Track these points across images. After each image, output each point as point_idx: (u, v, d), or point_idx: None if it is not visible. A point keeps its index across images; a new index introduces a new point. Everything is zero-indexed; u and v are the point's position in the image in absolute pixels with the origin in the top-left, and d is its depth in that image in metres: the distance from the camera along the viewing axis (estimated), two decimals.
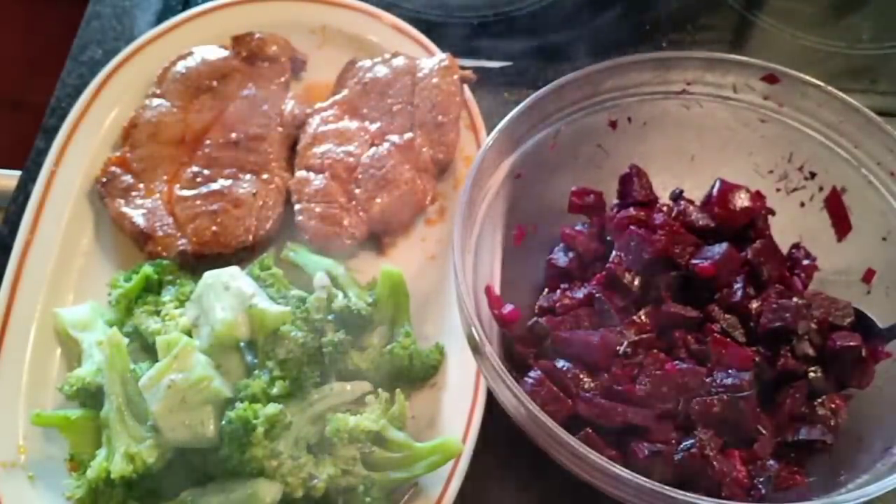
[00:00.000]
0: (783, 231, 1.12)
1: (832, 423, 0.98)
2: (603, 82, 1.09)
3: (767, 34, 1.46)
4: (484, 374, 0.94)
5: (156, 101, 1.22)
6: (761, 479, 0.94)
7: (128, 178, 1.17)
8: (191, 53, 1.27)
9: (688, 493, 0.82)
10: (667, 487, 0.82)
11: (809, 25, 1.45)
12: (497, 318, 1.05)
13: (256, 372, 0.98)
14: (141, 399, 0.96)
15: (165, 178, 1.18)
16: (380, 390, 1.01)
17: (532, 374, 0.98)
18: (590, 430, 0.94)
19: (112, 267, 1.15)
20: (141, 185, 1.17)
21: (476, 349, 0.93)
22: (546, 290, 1.13)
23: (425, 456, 0.96)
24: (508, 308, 1.05)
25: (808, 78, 1.07)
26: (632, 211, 1.11)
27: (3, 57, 2.21)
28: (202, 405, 0.93)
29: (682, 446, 0.94)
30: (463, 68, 1.26)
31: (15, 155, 1.43)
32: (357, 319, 1.05)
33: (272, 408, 0.92)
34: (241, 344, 1.01)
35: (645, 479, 0.82)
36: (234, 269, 1.04)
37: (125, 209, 1.14)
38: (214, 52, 1.27)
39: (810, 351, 1.00)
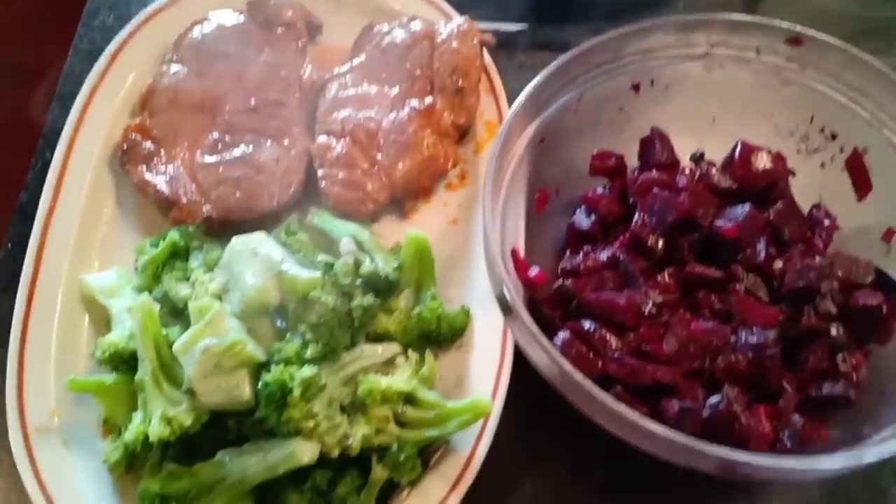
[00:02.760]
0: (803, 192, 1.13)
1: (854, 379, 1.00)
2: (627, 45, 1.09)
3: None
4: (515, 335, 0.95)
5: (173, 68, 1.22)
6: (786, 434, 0.96)
7: (148, 145, 1.17)
8: (207, 19, 1.26)
9: (719, 447, 0.84)
10: (700, 441, 0.83)
11: None
12: (524, 280, 1.06)
13: (288, 336, 0.99)
14: (174, 363, 0.97)
15: (186, 144, 1.18)
16: (410, 351, 1.02)
17: (561, 334, 0.99)
18: (620, 389, 0.95)
19: (135, 234, 1.16)
20: (162, 152, 1.17)
21: (507, 310, 0.94)
22: (568, 253, 1.14)
23: (456, 415, 0.97)
24: (535, 271, 1.06)
25: (832, 40, 1.07)
26: (654, 173, 1.11)
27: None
28: (237, 369, 0.94)
29: (709, 403, 0.95)
30: (481, 32, 1.26)
31: (18, 121, 1.42)
32: (384, 283, 1.06)
33: (307, 370, 0.93)
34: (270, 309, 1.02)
35: (679, 433, 0.83)
36: (261, 235, 1.04)
37: (148, 176, 1.14)
38: (230, 18, 1.26)
39: (833, 309, 1.01)
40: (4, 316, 1.13)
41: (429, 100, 1.20)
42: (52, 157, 1.17)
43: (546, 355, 0.89)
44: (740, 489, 1.06)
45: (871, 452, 0.85)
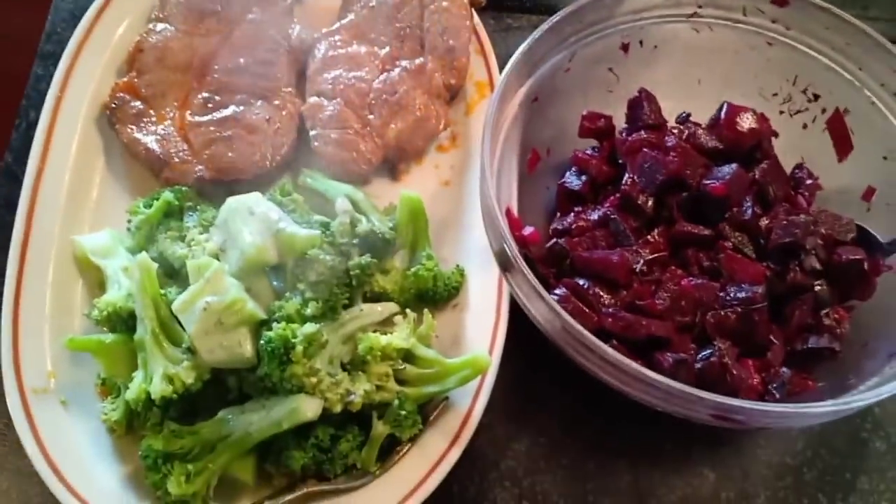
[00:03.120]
0: (786, 153, 1.16)
1: (838, 332, 1.03)
2: (618, 5, 1.11)
3: None
4: (514, 290, 0.97)
5: (160, 26, 1.20)
6: (775, 385, 0.99)
7: (137, 104, 1.15)
8: None
9: (713, 394, 0.87)
10: (695, 389, 0.86)
11: None
12: (518, 239, 1.07)
13: (288, 294, 0.99)
14: (173, 322, 0.97)
15: (176, 103, 1.17)
16: (408, 310, 1.03)
17: (557, 291, 1.01)
18: (615, 343, 0.98)
19: (126, 195, 1.15)
20: (151, 112, 1.15)
21: (508, 266, 0.95)
22: (558, 214, 1.16)
23: (456, 371, 0.99)
24: (529, 230, 1.08)
25: (816, 1, 1.09)
26: (643, 134, 1.13)
27: None
28: (238, 326, 0.95)
29: (701, 355, 0.98)
30: None
31: None
32: (381, 243, 1.06)
33: (309, 327, 0.93)
34: (268, 268, 1.02)
35: (674, 381, 0.86)
36: (256, 195, 1.04)
37: (138, 136, 1.13)
38: None
39: (817, 265, 1.05)
40: None
41: (419, 60, 1.20)
42: (36, 117, 1.15)
43: (547, 308, 0.91)
44: (727, 443, 1.10)
45: (858, 398, 0.89)
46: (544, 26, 1.06)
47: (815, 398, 0.99)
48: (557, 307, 0.90)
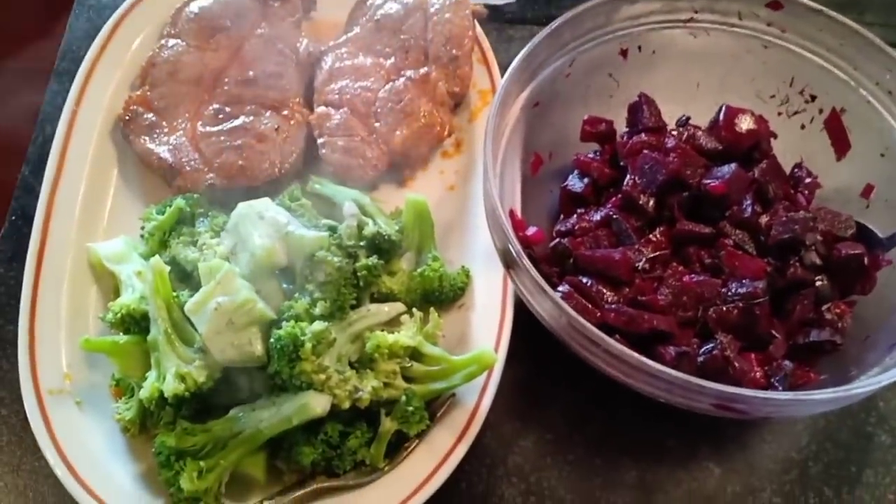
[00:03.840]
0: (785, 153, 1.18)
1: (839, 326, 1.05)
2: (616, 11, 1.13)
3: None
4: (518, 288, 0.98)
5: (172, 41, 1.24)
6: (777, 378, 1.00)
7: (150, 116, 1.19)
8: None
9: (715, 384, 0.88)
10: (698, 379, 0.87)
11: None
12: (521, 239, 1.09)
13: (297, 294, 1.01)
14: (185, 323, 1.00)
15: (187, 115, 1.20)
16: (414, 310, 1.05)
17: (561, 288, 1.03)
18: (619, 337, 0.99)
19: (138, 203, 1.18)
20: (164, 123, 1.19)
21: (512, 263, 0.97)
22: (561, 216, 1.18)
23: (462, 367, 1.00)
24: (532, 230, 1.10)
25: (810, 3, 1.12)
26: (644, 137, 1.15)
27: None
28: (248, 326, 0.97)
29: (704, 349, 1.00)
30: (472, 4, 1.29)
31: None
32: (387, 245, 1.09)
33: (318, 325, 0.96)
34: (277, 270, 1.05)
35: (678, 372, 0.87)
36: (265, 200, 1.07)
37: (151, 146, 1.16)
38: None
39: (817, 260, 1.06)
40: (11, 286, 1.15)
41: (424, 69, 1.23)
42: (52, 131, 1.19)
43: (552, 305, 0.93)
44: (731, 439, 1.11)
45: (859, 385, 0.90)
46: (543, 32, 1.09)
47: (818, 390, 1.00)
48: (561, 302, 0.92)
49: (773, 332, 1.03)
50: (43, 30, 1.54)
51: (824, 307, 1.06)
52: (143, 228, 1.11)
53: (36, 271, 1.08)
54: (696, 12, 1.16)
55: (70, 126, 1.17)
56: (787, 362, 1.02)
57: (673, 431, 1.10)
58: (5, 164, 1.34)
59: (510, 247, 0.96)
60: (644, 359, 0.88)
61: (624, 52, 1.18)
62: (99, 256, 1.09)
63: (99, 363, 1.04)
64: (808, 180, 1.16)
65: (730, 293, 1.03)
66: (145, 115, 1.18)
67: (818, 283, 1.06)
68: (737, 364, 0.99)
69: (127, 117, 1.18)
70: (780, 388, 1.00)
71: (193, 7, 1.26)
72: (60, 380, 1.03)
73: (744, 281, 1.03)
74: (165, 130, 1.18)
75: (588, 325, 0.90)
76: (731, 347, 1.00)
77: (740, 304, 1.02)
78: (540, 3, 1.43)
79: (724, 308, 1.02)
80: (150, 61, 1.22)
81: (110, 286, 1.10)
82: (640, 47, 1.18)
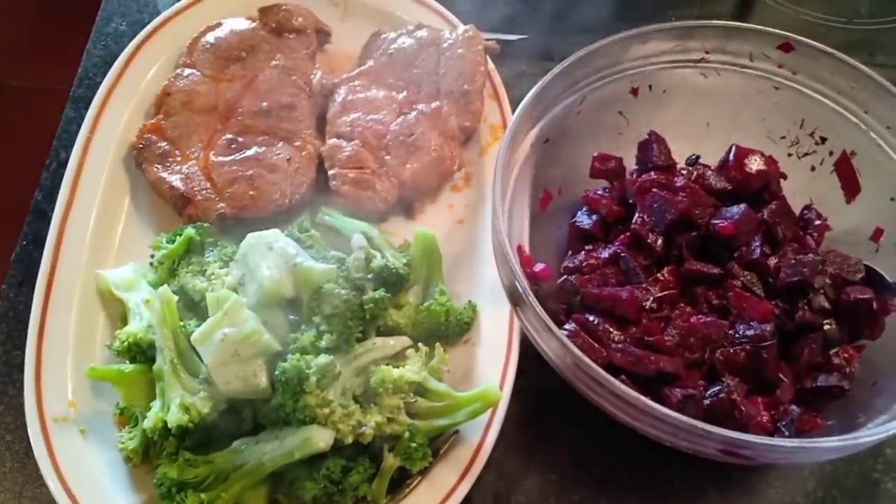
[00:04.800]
0: (794, 195, 1.17)
1: (847, 371, 1.04)
2: (627, 50, 1.14)
3: (770, 9, 1.52)
4: (525, 326, 0.98)
5: (187, 71, 1.25)
6: (784, 423, 1.00)
7: (163, 145, 1.20)
8: (219, 24, 1.30)
9: (722, 429, 0.87)
10: (704, 424, 0.87)
11: (810, 0, 1.51)
12: (529, 276, 1.09)
13: (303, 327, 1.02)
14: (191, 354, 1.00)
15: (200, 144, 1.21)
16: (420, 344, 1.05)
17: (567, 326, 1.03)
18: (624, 378, 0.99)
19: (149, 231, 1.18)
20: (176, 152, 1.20)
21: (518, 301, 0.97)
22: (570, 252, 1.18)
23: (466, 404, 1.00)
24: (540, 266, 1.10)
25: (821, 46, 1.12)
26: (653, 175, 1.16)
27: None
28: (254, 358, 0.97)
29: (710, 391, 0.99)
30: (485, 39, 1.30)
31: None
32: (395, 278, 1.09)
33: (323, 358, 0.96)
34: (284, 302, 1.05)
35: (683, 416, 0.87)
36: (275, 231, 1.07)
37: (163, 174, 1.17)
38: (242, 24, 1.30)
39: (826, 304, 1.05)
40: (20, 311, 1.16)
41: (435, 104, 1.24)
42: (66, 157, 1.20)
43: (557, 343, 0.92)
44: (737, 482, 1.10)
45: (867, 433, 0.89)
46: (555, 70, 1.09)
47: (825, 436, 0.98)
48: (567, 342, 0.92)
49: (781, 375, 1.03)
50: (60, 50, 1.56)
51: (832, 351, 1.05)
52: (152, 257, 1.12)
53: (45, 297, 1.08)
54: (708, 53, 1.17)
55: (84, 153, 1.18)
56: (793, 407, 1.01)
57: (679, 473, 1.09)
58: (20, 186, 1.36)
59: (517, 284, 0.96)
60: (650, 402, 0.87)
61: (634, 91, 1.18)
62: (108, 283, 1.10)
63: (104, 391, 1.04)
64: (817, 222, 1.16)
65: (737, 335, 1.03)
66: (159, 144, 1.20)
67: (826, 327, 1.05)
68: (743, 408, 0.98)
69: (140, 145, 1.20)
70: (787, 433, 0.99)
71: (210, 37, 1.28)
72: (65, 407, 1.03)
73: (752, 323, 1.03)
74: (178, 159, 1.19)
75: (593, 365, 0.90)
76: (738, 391, 0.99)
77: (748, 347, 1.01)
78: (552, 38, 1.43)
79: (732, 350, 1.02)
80: (165, 90, 1.24)
81: (118, 313, 1.10)
82: (650, 86, 1.19)
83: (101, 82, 1.26)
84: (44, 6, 2.27)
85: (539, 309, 0.93)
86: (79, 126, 1.22)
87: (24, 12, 2.35)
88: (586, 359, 0.90)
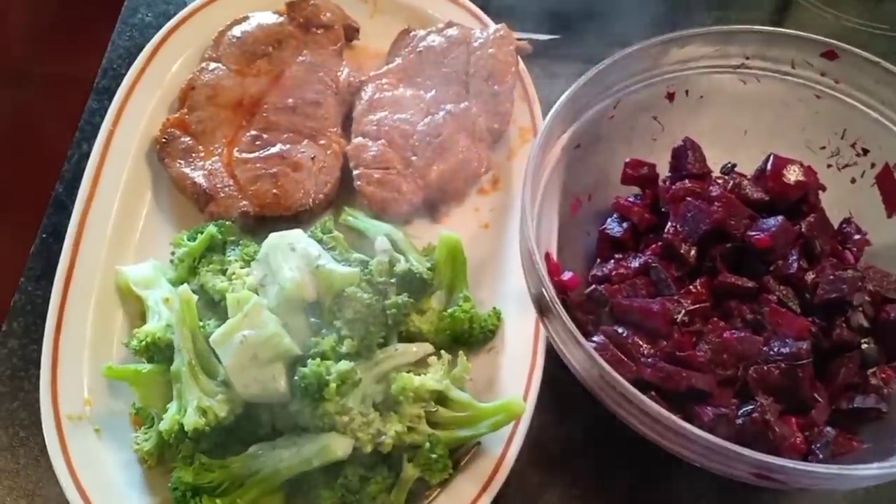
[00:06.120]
0: (833, 207, 1.14)
1: (885, 393, 1.00)
2: (664, 55, 1.11)
3: (811, 14, 1.47)
4: (551, 336, 0.96)
5: (213, 65, 1.23)
6: (818, 445, 0.96)
7: (187, 140, 1.18)
8: (246, 18, 1.28)
9: (754, 452, 0.84)
10: (737, 446, 0.83)
11: (852, 6, 1.46)
12: (556, 284, 1.06)
13: (324, 331, 0.99)
14: (210, 355, 0.98)
15: (224, 140, 1.19)
16: (442, 352, 1.03)
17: (595, 338, 1.00)
18: (654, 394, 0.96)
19: (170, 227, 1.17)
20: (200, 148, 1.18)
21: (545, 310, 0.94)
22: (598, 260, 1.15)
23: (489, 415, 0.98)
24: (568, 275, 1.07)
25: (867, 55, 1.08)
26: (687, 183, 1.12)
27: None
28: (273, 361, 0.95)
29: (743, 411, 0.96)
30: (517, 39, 1.27)
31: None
32: (418, 283, 1.06)
33: (344, 364, 0.93)
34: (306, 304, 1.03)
35: (715, 437, 0.84)
36: (298, 232, 1.05)
37: (186, 170, 1.16)
38: (270, 18, 1.28)
39: (864, 322, 1.02)
40: (37, 305, 1.14)
41: (464, 104, 1.21)
42: (88, 149, 1.19)
43: (584, 356, 0.89)
44: (767, 503, 1.06)
45: None
46: (588, 74, 1.06)
47: (860, 459, 0.95)
48: (595, 355, 0.89)
49: (816, 395, 0.99)
50: (87, 37, 1.55)
51: (870, 371, 1.01)
52: (173, 254, 1.10)
53: (63, 292, 1.07)
54: (748, 58, 1.13)
55: (106, 146, 1.17)
56: (828, 429, 0.97)
57: (704, 492, 1.05)
58: (43, 176, 1.35)
59: (545, 293, 0.93)
60: (680, 421, 0.84)
61: (670, 96, 1.15)
62: (127, 280, 1.08)
63: (120, 389, 1.03)
64: (856, 237, 1.12)
65: (772, 352, 0.99)
66: (182, 139, 1.18)
67: (864, 346, 1.02)
68: (777, 429, 0.94)
69: (164, 140, 1.18)
70: (821, 455, 0.96)
71: (236, 31, 1.26)
72: (81, 405, 1.02)
73: (787, 340, 0.99)
74: (201, 155, 1.17)
75: (622, 380, 0.87)
76: (772, 411, 0.95)
77: (782, 365, 0.98)
78: (586, 39, 1.40)
79: (766, 368, 0.98)
80: (190, 84, 1.22)
81: (137, 311, 1.09)
82: (687, 91, 1.15)
83: (125, 74, 1.24)
84: None
85: (567, 319, 0.90)
86: (102, 118, 1.20)
87: None
88: (614, 373, 0.87)
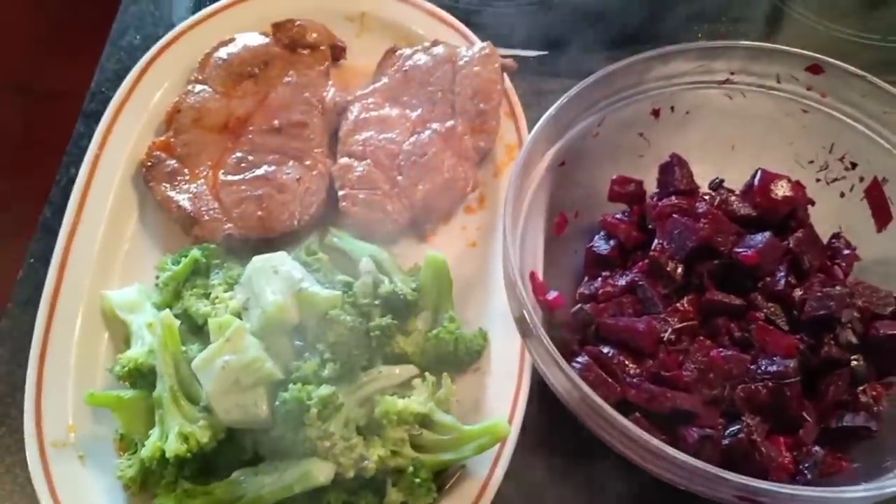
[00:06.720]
0: (822, 221, 1.13)
1: (875, 411, 0.99)
2: (649, 71, 1.10)
3: (801, 25, 1.46)
4: (534, 358, 0.95)
5: (198, 87, 1.23)
6: (807, 465, 0.95)
7: (172, 163, 1.18)
8: (232, 40, 1.28)
9: (740, 476, 0.83)
10: (720, 470, 0.82)
11: (843, 17, 1.45)
12: (542, 304, 1.06)
13: (307, 355, 0.99)
14: (193, 380, 0.98)
15: (209, 163, 1.19)
16: (427, 374, 1.02)
17: (579, 359, 0.99)
18: (638, 415, 0.95)
19: (156, 251, 1.17)
20: (185, 170, 1.18)
21: (527, 333, 0.94)
22: (585, 278, 1.14)
23: (473, 438, 0.97)
24: (553, 294, 1.06)
25: (852, 69, 1.07)
26: (674, 199, 1.11)
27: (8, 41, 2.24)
28: (255, 386, 0.94)
29: (729, 431, 0.95)
30: (502, 57, 1.27)
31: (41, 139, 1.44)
32: (403, 304, 1.06)
33: (325, 389, 0.93)
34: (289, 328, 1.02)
35: (700, 461, 0.83)
36: (281, 254, 1.05)
37: (171, 193, 1.16)
38: (256, 39, 1.28)
39: (853, 339, 1.01)
40: (25, 330, 1.14)
41: (450, 123, 1.21)
42: (76, 173, 1.19)
43: (565, 378, 0.89)
44: None
45: (895, 483, 0.84)
46: (573, 91, 1.06)
47: (850, 480, 0.94)
48: (576, 378, 0.88)
49: (804, 414, 0.98)
50: (86, 49, 1.55)
51: (859, 389, 1.00)
52: (157, 278, 1.10)
53: (48, 319, 1.07)
54: (733, 73, 1.12)
55: (92, 170, 1.17)
56: (817, 448, 0.96)
57: None
58: (33, 199, 1.35)
59: (526, 315, 0.92)
60: (662, 445, 0.83)
61: (656, 112, 1.14)
62: (112, 304, 1.08)
63: (105, 415, 1.02)
64: (846, 252, 1.11)
65: (759, 371, 0.98)
66: (167, 162, 1.18)
67: (853, 364, 1.00)
68: (764, 449, 0.93)
69: (149, 163, 1.18)
70: (810, 475, 0.94)
71: (222, 53, 1.26)
72: (65, 432, 1.01)
73: (774, 358, 0.99)
74: (187, 178, 1.18)
75: (604, 404, 0.86)
76: (759, 431, 0.94)
77: (770, 384, 0.97)
78: (572, 56, 1.39)
79: (753, 387, 0.97)
80: (176, 107, 1.22)
81: (122, 335, 1.08)
82: (672, 107, 1.14)
83: (112, 97, 1.24)
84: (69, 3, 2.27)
85: (548, 342, 0.90)
86: (89, 142, 1.21)
87: (51, 8, 2.34)
88: (595, 396, 0.86)
